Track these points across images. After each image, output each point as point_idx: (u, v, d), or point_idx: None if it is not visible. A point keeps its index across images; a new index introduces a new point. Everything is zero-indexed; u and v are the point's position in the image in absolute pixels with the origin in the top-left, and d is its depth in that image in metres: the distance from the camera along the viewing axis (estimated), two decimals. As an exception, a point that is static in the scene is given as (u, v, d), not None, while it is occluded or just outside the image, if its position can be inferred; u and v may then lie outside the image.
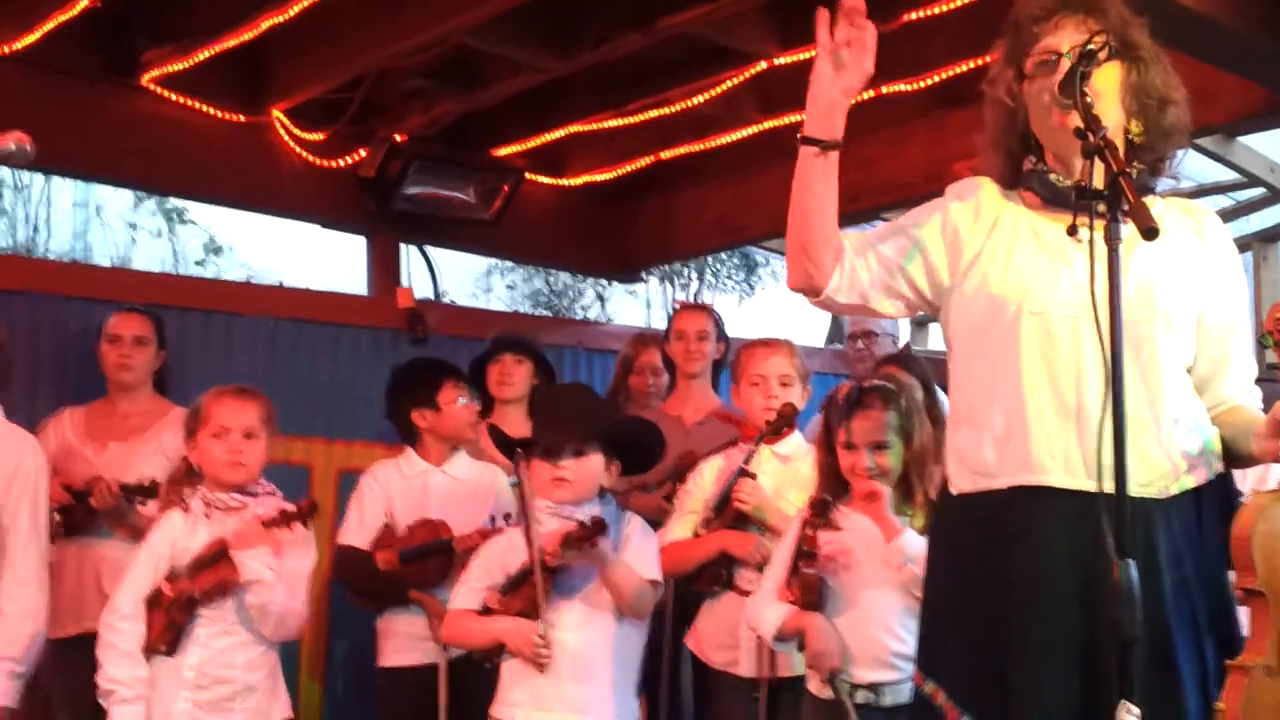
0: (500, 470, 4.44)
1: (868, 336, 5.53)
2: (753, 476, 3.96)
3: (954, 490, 2.48)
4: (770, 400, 4.05)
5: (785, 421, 4.01)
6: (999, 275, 2.43)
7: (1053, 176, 2.43)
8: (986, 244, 2.47)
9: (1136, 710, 1.97)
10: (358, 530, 4.46)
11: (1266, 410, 2.36)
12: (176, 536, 3.64)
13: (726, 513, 3.96)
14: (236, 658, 3.54)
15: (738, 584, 3.93)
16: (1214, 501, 2.36)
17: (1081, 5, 2.42)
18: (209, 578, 3.51)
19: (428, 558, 4.27)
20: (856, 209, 6.08)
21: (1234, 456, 2.42)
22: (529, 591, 3.43)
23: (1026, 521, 2.33)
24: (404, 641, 4.39)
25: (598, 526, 3.37)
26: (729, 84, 5.34)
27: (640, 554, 3.55)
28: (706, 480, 4.11)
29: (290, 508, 3.54)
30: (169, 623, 3.51)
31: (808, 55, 4.95)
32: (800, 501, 3.73)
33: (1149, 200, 2.37)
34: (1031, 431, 2.34)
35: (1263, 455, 2.34)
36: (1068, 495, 2.30)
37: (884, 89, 5.21)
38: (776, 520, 3.84)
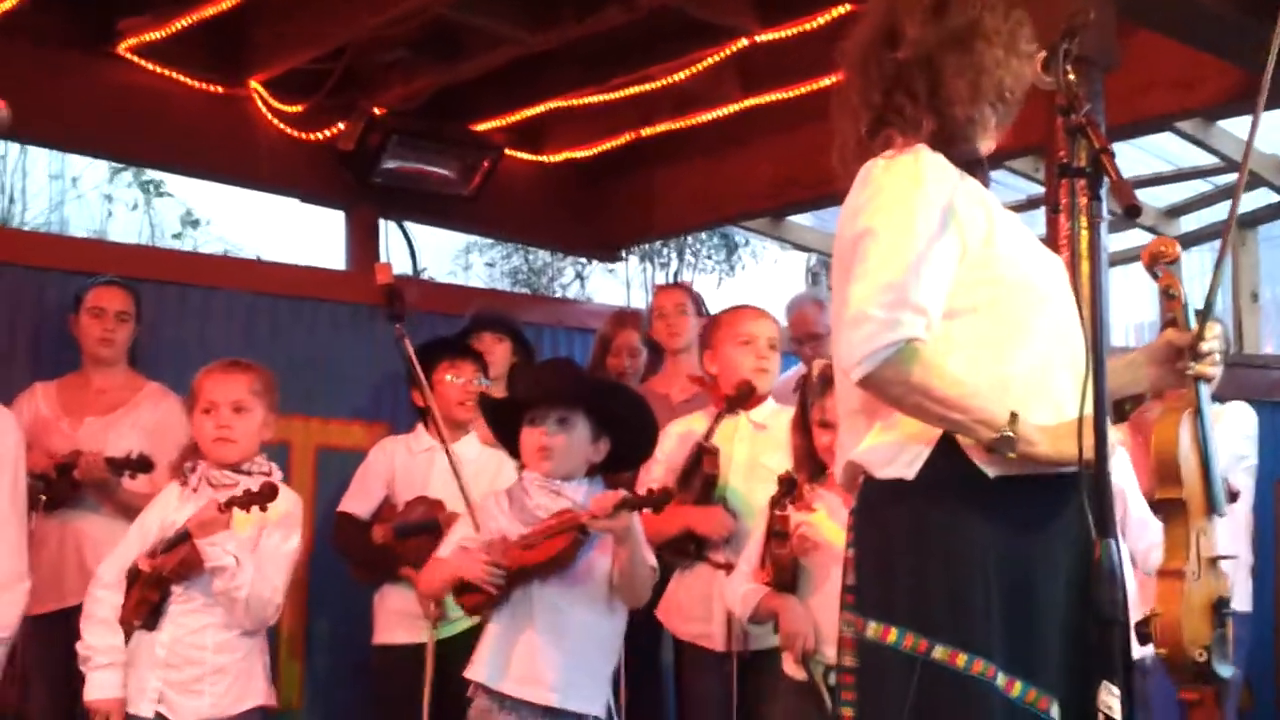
0: (506, 455, 4.44)
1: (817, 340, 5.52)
2: (714, 451, 3.94)
3: (991, 472, 2.26)
4: (762, 361, 4.03)
5: (742, 400, 4.00)
6: (1022, 257, 2.36)
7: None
8: (994, 223, 2.36)
9: (1117, 690, 1.98)
10: (358, 499, 4.53)
11: None
12: (168, 511, 3.63)
13: (692, 487, 3.95)
14: (207, 639, 3.52)
15: (710, 556, 3.92)
16: None
17: None
18: (173, 557, 3.49)
19: (420, 535, 4.28)
20: (837, 187, 6.07)
21: None
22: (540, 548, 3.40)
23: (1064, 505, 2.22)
24: (396, 619, 4.42)
25: (665, 495, 3.37)
26: (710, 60, 5.33)
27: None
28: (671, 447, 4.07)
29: (251, 489, 3.51)
30: (141, 598, 3.50)
31: (788, 33, 5.00)
32: (778, 465, 3.72)
33: None
34: (1070, 411, 2.20)
35: (1161, 383, 2.46)
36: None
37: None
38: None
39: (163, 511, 3.64)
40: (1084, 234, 2.16)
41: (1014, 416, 2.19)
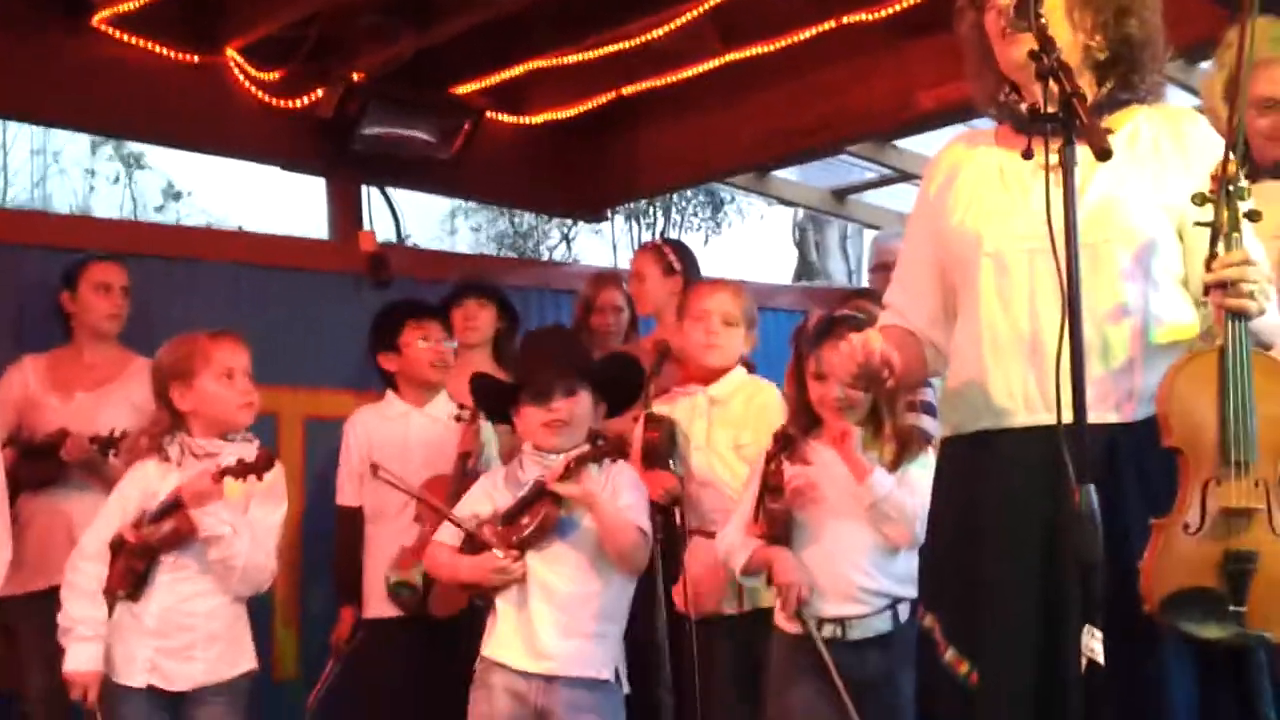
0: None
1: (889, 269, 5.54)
2: (655, 419, 3.94)
3: (943, 433, 2.56)
4: (711, 337, 4.01)
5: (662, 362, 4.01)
6: (959, 218, 2.46)
7: (1022, 106, 2.40)
8: (952, 187, 2.50)
9: (1099, 634, 1.97)
10: (351, 487, 4.54)
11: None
12: (149, 483, 3.63)
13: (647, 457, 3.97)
14: (199, 605, 3.54)
15: (703, 527, 3.91)
16: None
17: None
18: (165, 526, 3.50)
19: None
20: (822, 140, 6.05)
21: None
22: (522, 524, 3.47)
23: (988, 463, 2.38)
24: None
25: (613, 445, 3.41)
26: (689, 16, 5.28)
27: (629, 503, 3.54)
28: None
29: (248, 459, 3.52)
30: (128, 568, 3.51)
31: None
32: (733, 439, 3.80)
33: (1130, 110, 2.41)
34: (990, 375, 2.37)
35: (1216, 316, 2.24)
36: (1029, 433, 2.31)
37: (845, 19, 5.17)
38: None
39: (143, 483, 3.64)
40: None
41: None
